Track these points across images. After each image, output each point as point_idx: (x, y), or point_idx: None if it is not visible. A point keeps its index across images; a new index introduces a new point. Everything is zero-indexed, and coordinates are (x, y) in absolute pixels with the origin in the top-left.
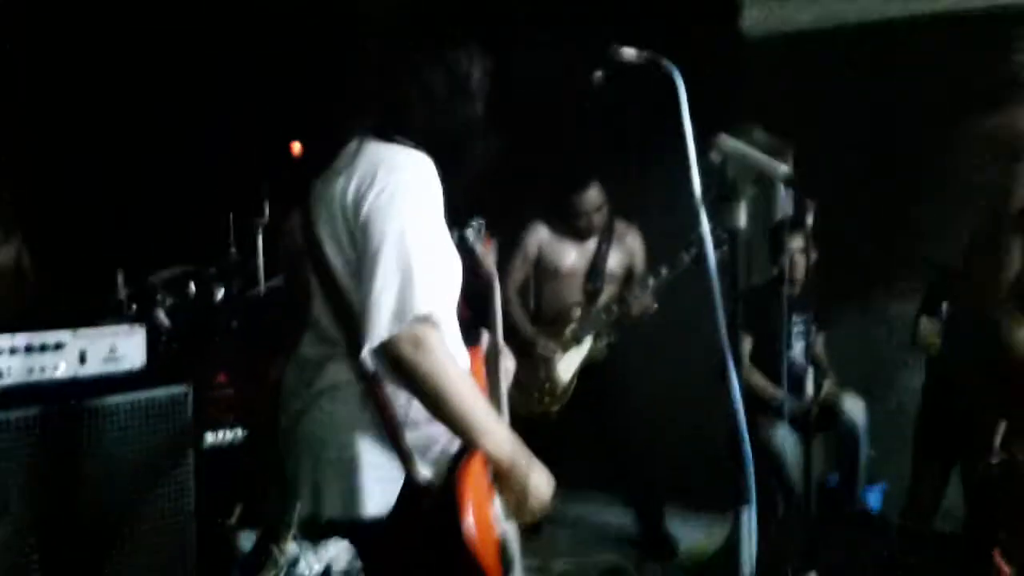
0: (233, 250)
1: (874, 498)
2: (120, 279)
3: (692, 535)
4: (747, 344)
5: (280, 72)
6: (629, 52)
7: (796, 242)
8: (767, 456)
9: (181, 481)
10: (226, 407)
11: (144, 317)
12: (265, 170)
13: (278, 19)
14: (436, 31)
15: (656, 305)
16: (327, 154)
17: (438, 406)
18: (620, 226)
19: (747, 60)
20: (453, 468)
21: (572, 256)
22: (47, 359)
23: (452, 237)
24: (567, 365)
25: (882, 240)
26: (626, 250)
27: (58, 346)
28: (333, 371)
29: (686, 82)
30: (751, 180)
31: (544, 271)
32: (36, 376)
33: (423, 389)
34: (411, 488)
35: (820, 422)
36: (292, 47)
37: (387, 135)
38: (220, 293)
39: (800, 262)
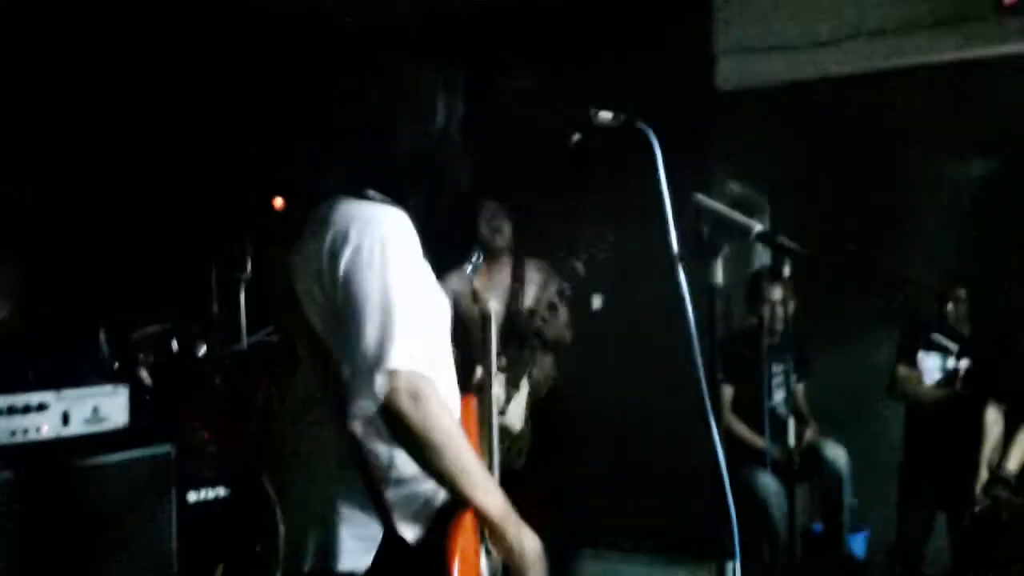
0: (215, 306)
1: (858, 544)
2: (102, 337)
3: None
4: (728, 393)
5: (261, 125)
6: (605, 115)
7: (774, 292)
8: (751, 503)
9: (164, 539)
10: (209, 464)
11: (126, 375)
12: (247, 225)
13: (258, 71)
14: (402, 71)
15: (569, 330)
16: (309, 209)
17: (432, 460)
18: (530, 264)
19: (722, 114)
20: (442, 524)
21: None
22: (30, 420)
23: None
24: (513, 412)
25: (858, 288)
26: (540, 286)
27: (41, 407)
28: (317, 426)
29: (661, 137)
30: (726, 238)
31: (461, 322)
32: (19, 437)
33: (418, 443)
34: (392, 545)
35: (803, 469)
36: (272, 100)
37: (358, 192)
38: (202, 349)
39: (779, 312)
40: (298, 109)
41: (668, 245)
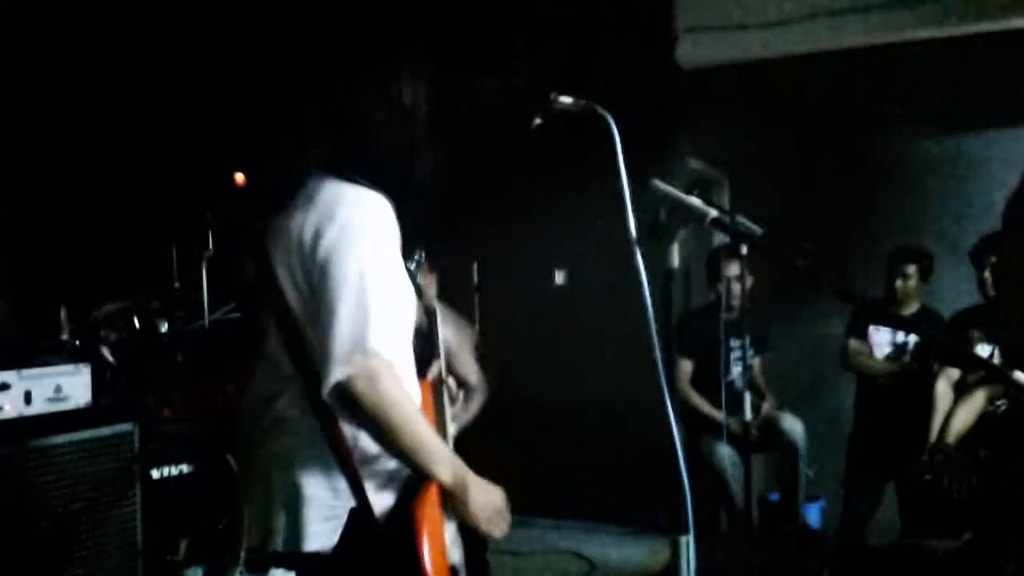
0: (177, 283)
1: (813, 514)
2: (63, 315)
3: (636, 555)
4: (688, 367)
5: (225, 102)
6: (566, 99)
7: (732, 269)
8: (709, 473)
9: (128, 517)
10: (172, 442)
11: (88, 353)
12: (209, 202)
13: (223, 50)
14: (377, 58)
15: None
16: (277, 187)
17: (390, 438)
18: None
19: (683, 92)
20: (408, 498)
21: None
22: None
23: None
24: None
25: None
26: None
27: (3, 387)
28: (283, 405)
29: (622, 116)
30: (683, 221)
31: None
32: None
33: (376, 422)
34: (361, 521)
35: (760, 441)
36: (237, 77)
37: (343, 173)
38: (164, 327)
39: (735, 288)
40: (266, 86)
41: (627, 230)
